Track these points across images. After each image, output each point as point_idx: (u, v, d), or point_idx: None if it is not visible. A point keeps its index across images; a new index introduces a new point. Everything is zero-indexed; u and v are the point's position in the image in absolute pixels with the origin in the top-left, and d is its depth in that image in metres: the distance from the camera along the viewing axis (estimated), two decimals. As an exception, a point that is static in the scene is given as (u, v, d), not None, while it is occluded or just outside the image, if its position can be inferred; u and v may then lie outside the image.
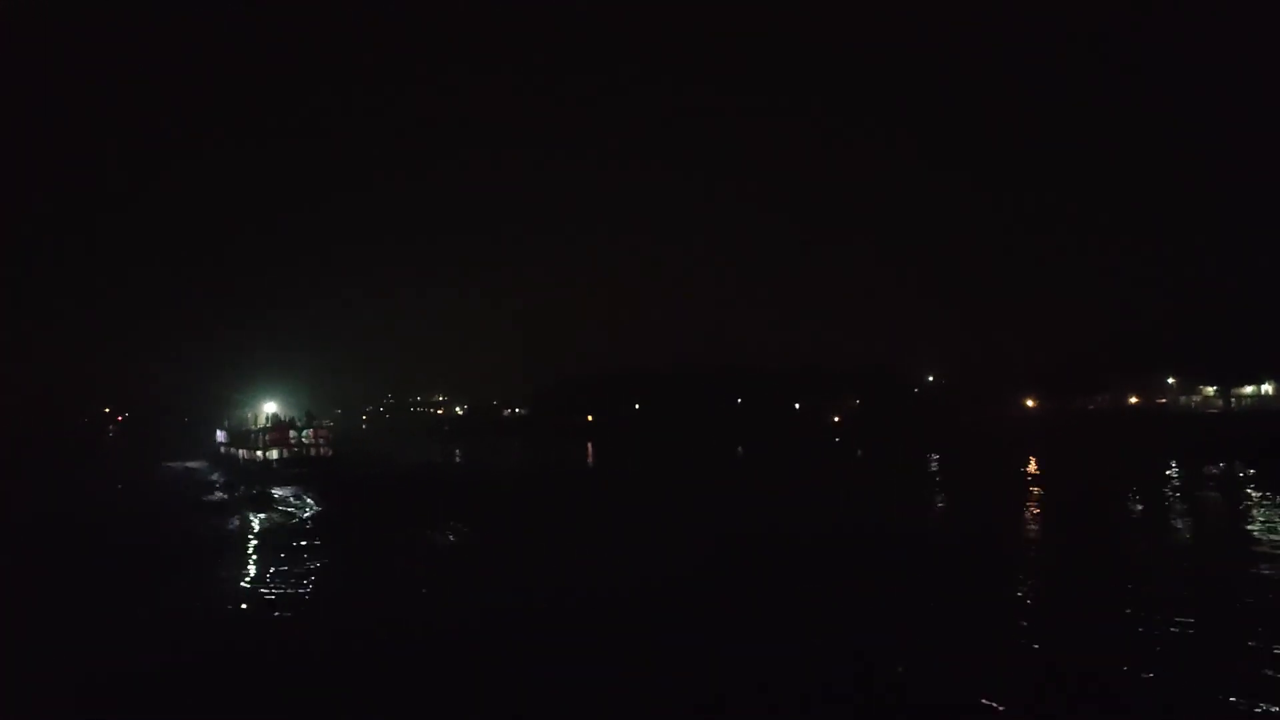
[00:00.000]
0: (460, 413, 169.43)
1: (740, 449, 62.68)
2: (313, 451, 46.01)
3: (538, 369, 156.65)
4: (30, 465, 57.91)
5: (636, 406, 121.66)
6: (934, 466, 46.07)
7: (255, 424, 46.64)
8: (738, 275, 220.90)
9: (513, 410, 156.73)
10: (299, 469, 41.86)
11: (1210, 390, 72.21)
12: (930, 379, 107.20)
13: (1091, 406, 77.06)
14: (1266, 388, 68.87)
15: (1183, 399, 73.36)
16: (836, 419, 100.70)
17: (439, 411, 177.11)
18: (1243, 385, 70.04)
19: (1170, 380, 73.51)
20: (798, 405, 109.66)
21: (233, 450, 48.87)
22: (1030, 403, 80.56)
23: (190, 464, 49.17)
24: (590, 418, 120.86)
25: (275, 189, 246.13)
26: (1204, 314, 71.98)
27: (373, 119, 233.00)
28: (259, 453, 45.75)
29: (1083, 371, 74.69)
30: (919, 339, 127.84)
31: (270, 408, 47.31)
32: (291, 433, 45.75)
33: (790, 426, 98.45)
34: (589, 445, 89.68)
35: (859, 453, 61.22)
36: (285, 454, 45.22)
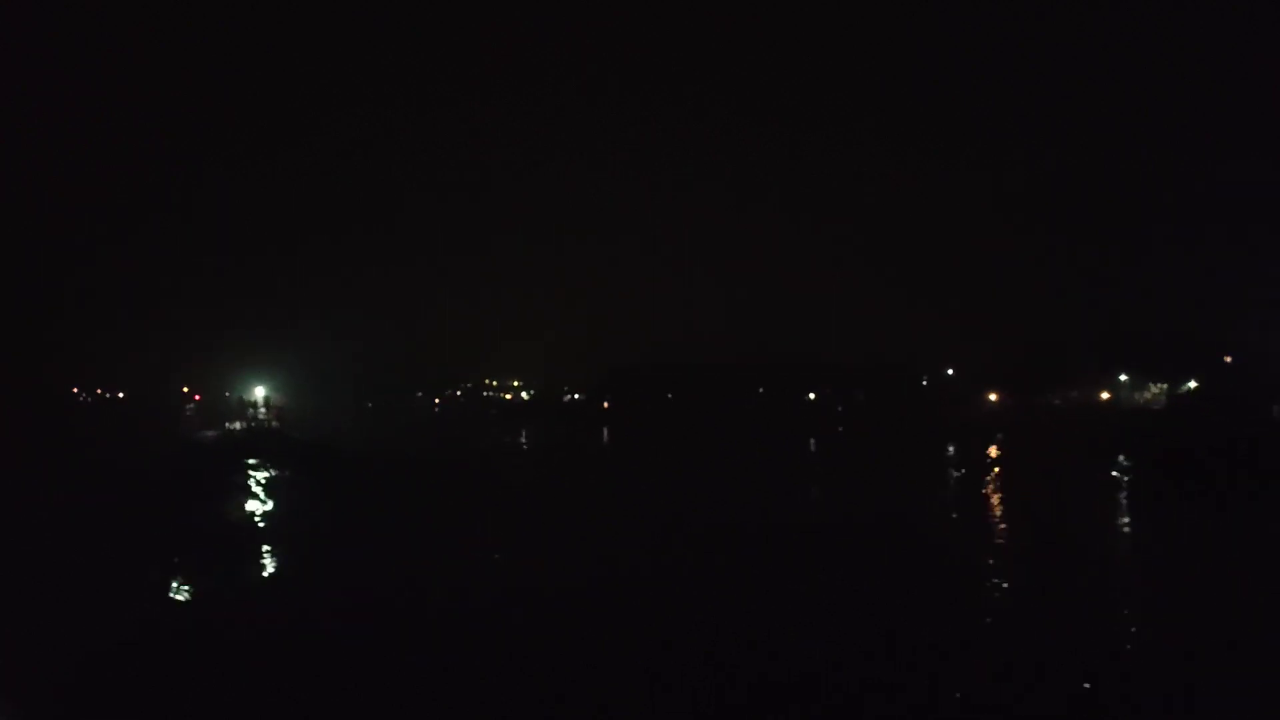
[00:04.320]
0: (525, 398, 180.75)
1: (759, 438, 69.17)
2: (266, 425, 57.51)
3: (595, 359, 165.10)
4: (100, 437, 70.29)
5: (669, 395, 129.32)
6: (918, 457, 52.07)
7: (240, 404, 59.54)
8: (763, 268, 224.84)
9: (572, 396, 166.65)
10: (247, 436, 53.76)
11: (1157, 388, 75.24)
12: (950, 372, 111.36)
13: (1058, 401, 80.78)
14: (1193, 384, 71.68)
15: (1136, 395, 76.48)
16: (840, 409, 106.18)
17: (508, 397, 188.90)
18: (1189, 382, 72.89)
19: (1123, 377, 76.73)
20: (812, 396, 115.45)
21: (228, 424, 60.90)
22: (993, 397, 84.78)
23: (209, 433, 60.85)
24: (606, 404, 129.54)
25: (370, 188, 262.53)
26: (1155, 311, 75.27)
27: (449, 121, 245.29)
28: (229, 423, 58.24)
29: (1042, 368, 78.66)
30: (927, 333, 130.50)
31: (260, 391, 59.26)
32: (250, 409, 58.12)
33: (804, 417, 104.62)
34: (604, 430, 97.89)
35: (857, 442, 66.78)
36: (242, 425, 57.35)
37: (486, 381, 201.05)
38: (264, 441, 50.31)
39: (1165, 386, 73.79)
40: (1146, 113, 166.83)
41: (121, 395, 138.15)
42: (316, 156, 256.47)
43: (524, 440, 78.53)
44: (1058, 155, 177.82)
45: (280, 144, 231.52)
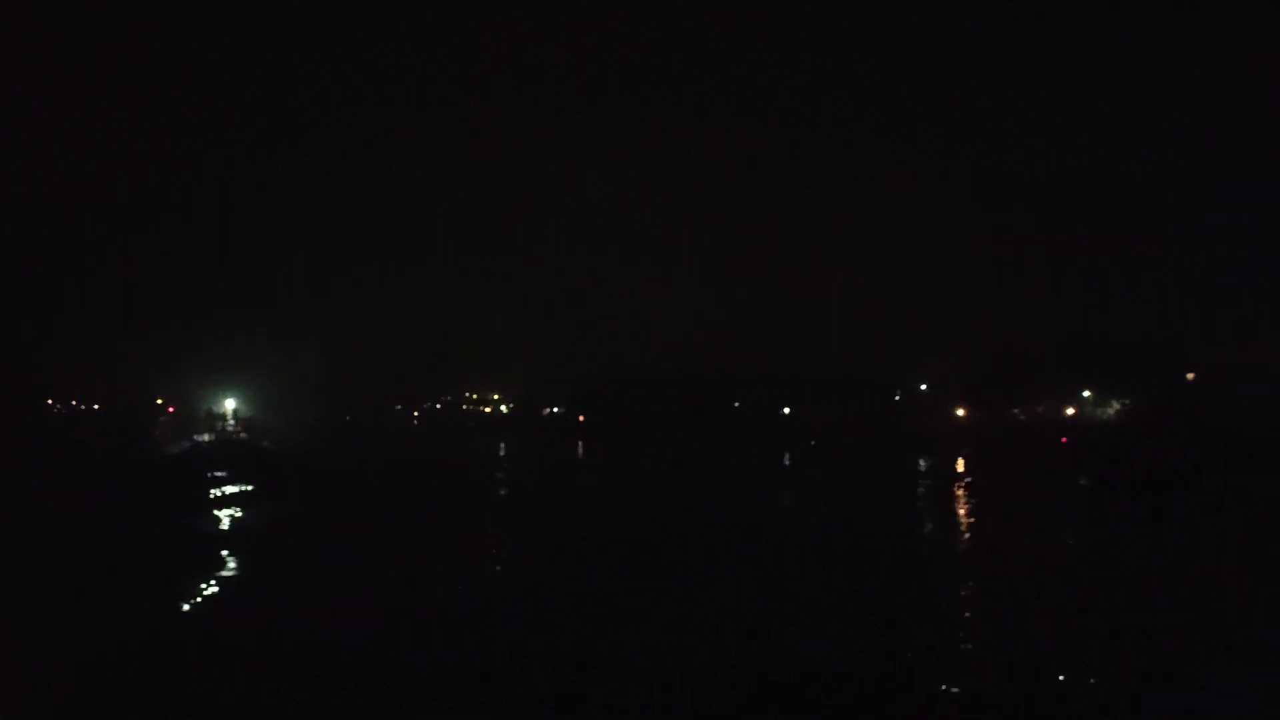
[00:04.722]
0: (505, 411, 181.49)
1: (733, 451, 69.55)
2: (234, 436, 58.21)
3: (576, 371, 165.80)
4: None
5: (646, 408, 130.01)
6: (885, 472, 52.54)
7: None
8: (756, 271, 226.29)
9: (552, 410, 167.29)
10: (214, 447, 54.40)
11: (1120, 403, 76.79)
12: (923, 387, 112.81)
13: (1023, 416, 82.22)
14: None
15: (1099, 410, 78.03)
16: (813, 423, 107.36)
17: (488, 410, 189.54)
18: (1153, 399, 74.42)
19: (1086, 393, 78.28)
20: (787, 410, 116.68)
21: (195, 436, 61.51)
22: (960, 412, 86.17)
23: (176, 444, 61.43)
24: (582, 418, 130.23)
25: (356, 193, 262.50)
26: (1124, 327, 76.85)
27: (424, 137, 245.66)
28: (198, 435, 58.82)
29: (1008, 384, 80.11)
30: (906, 346, 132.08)
31: (229, 403, 60.12)
32: (218, 422, 58.93)
33: (778, 429, 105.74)
34: (579, 443, 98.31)
35: (828, 457, 67.49)
36: (211, 437, 58.01)
37: (467, 394, 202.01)
38: (231, 452, 51.01)
39: (1127, 402, 75.48)
40: (1124, 127, 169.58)
41: (98, 407, 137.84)
42: (316, 157, 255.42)
43: (500, 451, 79.15)
44: (1050, 164, 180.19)
45: (276, 145, 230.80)
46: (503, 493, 42.90)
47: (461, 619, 15.61)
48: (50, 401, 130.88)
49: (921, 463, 57.28)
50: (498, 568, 21.65)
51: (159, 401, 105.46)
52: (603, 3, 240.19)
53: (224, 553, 22.59)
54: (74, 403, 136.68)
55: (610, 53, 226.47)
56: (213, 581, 19.04)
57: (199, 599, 17.60)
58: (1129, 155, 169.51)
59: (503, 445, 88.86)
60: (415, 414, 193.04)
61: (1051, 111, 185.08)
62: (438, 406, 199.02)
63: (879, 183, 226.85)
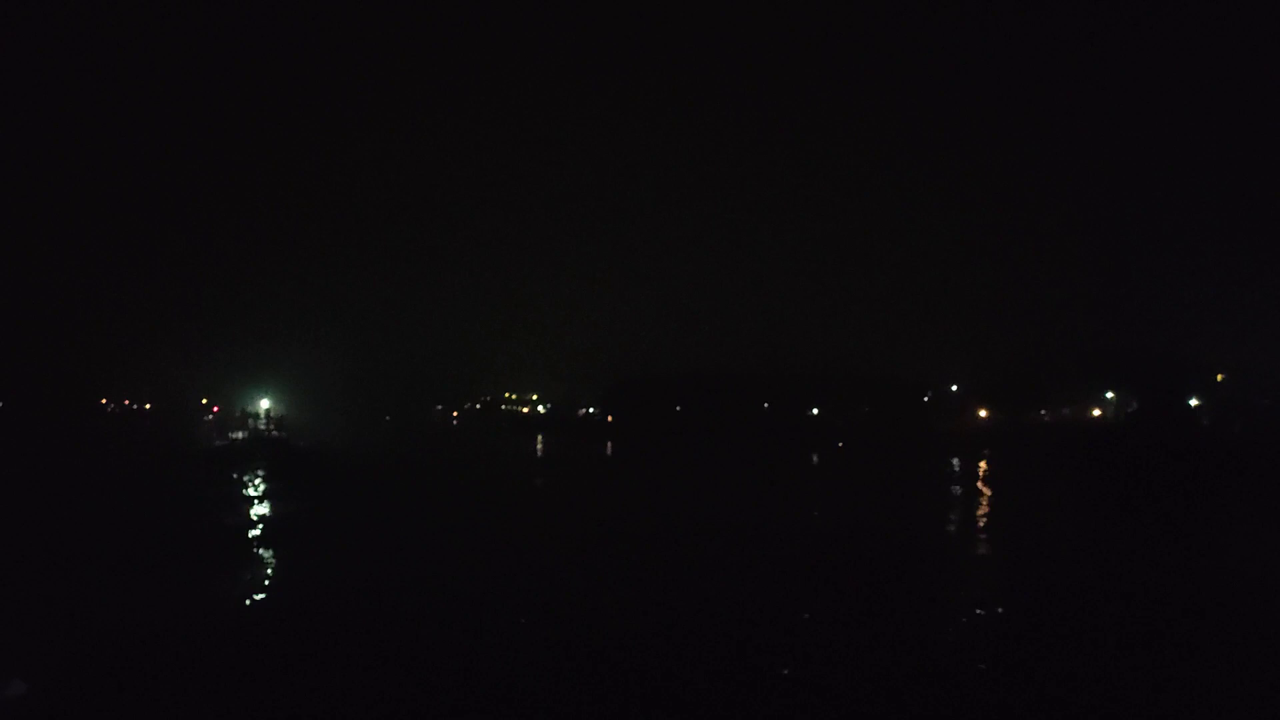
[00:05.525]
0: (542, 411, 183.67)
1: (762, 451, 70.36)
2: (267, 434, 60.35)
3: (612, 370, 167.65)
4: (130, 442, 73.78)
5: (676, 408, 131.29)
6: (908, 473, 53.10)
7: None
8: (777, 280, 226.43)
9: (587, 410, 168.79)
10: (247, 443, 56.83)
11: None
12: (954, 388, 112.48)
13: (1047, 418, 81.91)
14: (1194, 402, 72.71)
15: (1125, 412, 77.49)
16: (841, 424, 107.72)
17: (526, 410, 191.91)
18: (1189, 400, 73.99)
19: (1109, 395, 77.79)
20: (815, 411, 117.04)
21: (230, 434, 64.00)
22: (984, 413, 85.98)
23: (219, 442, 64.10)
24: (611, 418, 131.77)
25: (391, 204, 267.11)
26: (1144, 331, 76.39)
27: (453, 125, 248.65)
28: (233, 433, 61.32)
29: (1035, 386, 79.91)
30: (939, 350, 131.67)
31: (264, 403, 62.30)
32: (250, 420, 61.11)
33: (807, 430, 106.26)
34: (608, 442, 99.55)
35: (854, 458, 68.05)
36: (245, 434, 60.40)
37: (506, 395, 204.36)
38: (261, 450, 53.22)
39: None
40: (1151, 131, 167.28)
41: (149, 405, 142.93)
42: (335, 162, 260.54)
43: (525, 452, 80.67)
44: (1077, 169, 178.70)
45: (304, 151, 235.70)
46: (521, 493, 44.11)
47: (463, 619, 15.81)
48: (104, 400, 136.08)
49: (954, 463, 57.31)
50: (502, 566, 21.75)
51: (204, 401, 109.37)
52: (604, 3, 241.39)
53: (240, 547, 23.57)
54: (126, 401, 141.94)
55: (613, 55, 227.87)
56: (230, 574, 19.92)
57: (214, 590, 18.26)
58: (1157, 161, 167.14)
59: (534, 445, 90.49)
60: (455, 414, 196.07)
61: (1077, 115, 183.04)
62: (477, 406, 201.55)
63: (902, 187, 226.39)
